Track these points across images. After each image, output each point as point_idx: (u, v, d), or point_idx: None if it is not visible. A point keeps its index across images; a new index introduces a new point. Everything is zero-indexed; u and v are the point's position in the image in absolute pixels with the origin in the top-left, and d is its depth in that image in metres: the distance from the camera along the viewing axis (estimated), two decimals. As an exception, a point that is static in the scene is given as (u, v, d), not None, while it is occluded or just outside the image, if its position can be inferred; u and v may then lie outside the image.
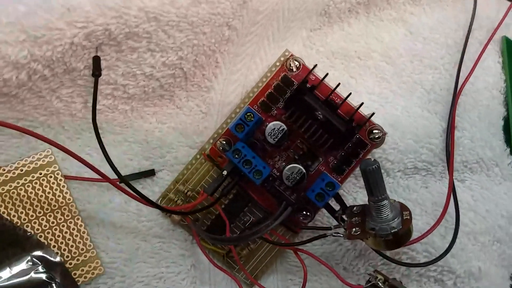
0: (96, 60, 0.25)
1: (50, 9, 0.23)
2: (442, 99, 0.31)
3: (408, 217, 0.23)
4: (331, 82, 0.27)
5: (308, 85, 0.27)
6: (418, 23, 0.33)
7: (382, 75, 0.32)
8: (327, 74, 0.26)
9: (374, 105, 0.31)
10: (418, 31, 0.33)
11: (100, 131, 0.24)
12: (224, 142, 0.27)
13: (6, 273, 0.24)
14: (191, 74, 0.28)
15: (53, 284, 0.25)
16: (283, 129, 0.26)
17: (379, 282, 0.26)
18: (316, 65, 0.27)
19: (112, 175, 0.23)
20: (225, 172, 0.26)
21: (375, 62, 0.32)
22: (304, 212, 0.27)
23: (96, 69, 0.25)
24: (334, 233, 0.25)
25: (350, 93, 0.26)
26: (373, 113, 0.27)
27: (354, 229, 0.23)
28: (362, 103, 0.26)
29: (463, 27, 0.33)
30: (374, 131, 0.27)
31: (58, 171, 0.27)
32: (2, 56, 0.23)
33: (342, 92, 0.27)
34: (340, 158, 0.27)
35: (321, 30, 0.31)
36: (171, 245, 0.28)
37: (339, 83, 0.26)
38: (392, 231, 0.22)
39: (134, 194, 0.23)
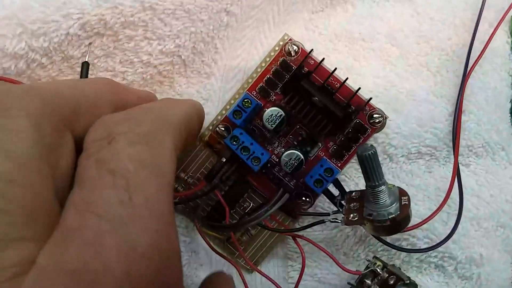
0: (85, 67, 0.25)
1: (45, 2, 0.23)
2: (449, 82, 0.30)
3: (407, 202, 0.22)
4: (334, 65, 0.27)
5: (306, 70, 0.26)
6: (424, 2, 0.32)
7: (387, 58, 0.31)
8: (323, 59, 0.26)
9: (378, 89, 0.30)
10: (425, 11, 0.32)
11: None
12: (223, 129, 0.27)
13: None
14: (190, 61, 0.28)
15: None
16: (281, 115, 0.26)
17: (377, 268, 0.26)
18: (312, 49, 0.26)
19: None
20: (224, 159, 0.26)
21: (380, 44, 0.31)
22: (304, 198, 0.27)
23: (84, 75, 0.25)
24: (332, 219, 0.25)
25: (347, 78, 0.26)
26: (371, 98, 0.26)
27: (352, 215, 0.24)
28: (359, 88, 0.26)
29: (472, 6, 0.32)
30: (375, 115, 0.26)
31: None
32: (0, 49, 0.23)
33: (346, 75, 0.27)
34: (340, 143, 0.27)
35: (323, 12, 0.31)
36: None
37: (335, 68, 0.26)
38: (389, 217, 0.22)
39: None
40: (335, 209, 0.26)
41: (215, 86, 0.29)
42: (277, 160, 0.27)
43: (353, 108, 0.26)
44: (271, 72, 0.27)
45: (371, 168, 0.22)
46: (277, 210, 0.27)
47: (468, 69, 0.30)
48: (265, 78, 0.27)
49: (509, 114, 0.31)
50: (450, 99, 0.30)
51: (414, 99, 0.30)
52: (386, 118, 0.26)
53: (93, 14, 0.24)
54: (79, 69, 0.26)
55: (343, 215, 0.24)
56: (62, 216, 0.15)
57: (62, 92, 0.17)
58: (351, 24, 0.31)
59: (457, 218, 0.27)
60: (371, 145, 0.22)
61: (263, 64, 0.28)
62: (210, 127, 0.28)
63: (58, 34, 0.24)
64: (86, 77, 0.25)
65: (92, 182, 0.15)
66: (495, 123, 0.30)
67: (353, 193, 0.25)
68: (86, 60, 0.25)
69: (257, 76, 0.27)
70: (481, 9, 0.31)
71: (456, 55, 0.31)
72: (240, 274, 0.27)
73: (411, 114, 0.29)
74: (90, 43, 0.25)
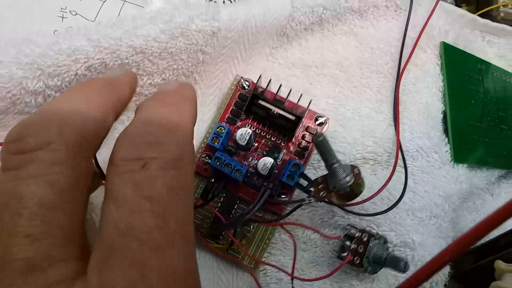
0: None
1: (59, 51, 0.29)
2: (387, 99, 0.37)
3: (358, 171, 0.29)
4: (293, 88, 0.34)
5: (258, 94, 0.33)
6: (366, 35, 0.39)
7: (336, 81, 0.38)
8: (270, 81, 0.33)
9: (330, 108, 0.37)
10: (367, 42, 0.39)
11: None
12: (206, 156, 0.34)
13: None
14: (174, 91, 0.35)
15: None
16: (249, 132, 0.33)
17: (351, 231, 0.32)
18: (260, 78, 0.33)
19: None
20: (212, 179, 0.33)
21: (330, 70, 0.38)
22: (283, 196, 0.34)
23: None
24: (307, 201, 0.31)
25: (290, 90, 0.33)
26: (311, 101, 0.33)
27: (321, 193, 0.30)
28: (301, 96, 0.33)
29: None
30: (319, 118, 0.34)
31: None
32: (23, 87, 0.30)
33: (303, 97, 0.34)
34: (298, 145, 0.34)
35: (281, 47, 0.38)
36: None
37: (280, 85, 0.33)
38: (348, 185, 0.28)
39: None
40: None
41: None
42: (254, 170, 0.34)
43: (299, 112, 0.33)
44: (233, 105, 0.34)
45: (325, 150, 0.28)
46: (265, 212, 0.33)
47: (397, 86, 0.37)
48: (230, 110, 0.34)
49: (441, 123, 0.38)
50: (387, 113, 0.37)
51: (358, 115, 0.37)
52: (328, 118, 0.33)
53: (96, 58, 0.30)
54: (85, 101, 0.33)
55: (313, 196, 0.30)
56: (102, 234, 0.16)
57: (87, 118, 0.18)
58: (305, 54, 0.38)
59: (393, 204, 0.33)
60: (321, 133, 0.29)
61: (225, 100, 0.35)
62: (195, 159, 0.35)
63: (69, 74, 0.30)
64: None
65: (131, 205, 0.16)
66: (427, 131, 0.37)
67: (318, 179, 0.31)
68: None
69: (223, 110, 0.35)
70: (404, 37, 0.38)
71: (392, 76, 0.38)
72: (250, 272, 0.33)
73: (355, 127, 0.36)
74: None
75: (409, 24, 0.39)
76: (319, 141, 0.28)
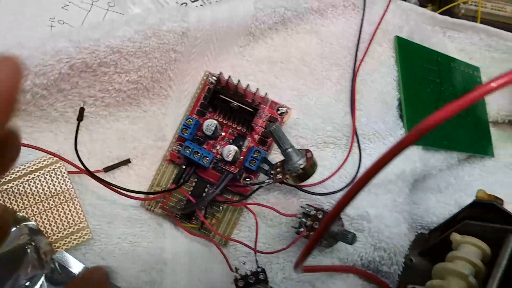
0: (81, 111, 0.37)
1: (44, 52, 0.34)
2: (345, 89, 0.41)
3: (310, 155, 0.32)
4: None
5: (220, 87, 0.37)
6: (327, 32, 0.43)
7: (299, 75, 0.41)
8: (229, 77, 0.37)
9: (294, 99, 0.40)
10: (327, 39, 0.43)
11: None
12: (178, 145, 0.38)
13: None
14: (150, 86, 0.39)
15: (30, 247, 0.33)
16: (214, 123, 0.37)
17: (307, 209, 0.35)
18: (221, 73, 0.37)
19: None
20: (183, 166, 0.37)
21: (294, 65, 0.42)
22: (248, 179, 0.37)
23: (80, 116, 0.37)
24: (267, 182, 0.35)
25: (248, 84, 0.37)
26: (266, 93, 0.37)
27: (278, 175, 0.33)
28: (258, 89, 0.37)
29: (363, 33, 0.43)
30: (280, 108, 0.37)
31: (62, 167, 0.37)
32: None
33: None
34: (262, 133, 0.37)
35: (249, 45, 0.42)
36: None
37: (239, 80, 0.37)
38: (300, 167, 0.32)
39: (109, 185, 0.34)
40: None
41: (171, 103, 0.40)
42: (220, 157, 0.37)
43: (259, 103, 0.37)
44: (202, 99, 0.38)
45: (278, 137, 0.32)
46: (233, 194, 0.37)
47: (354, 77, 0.40)
48: (199, 103, 0.38)
49: (396, 109, 0.42)
50: (345, 101, 0.40)
51: (320, 103, 0.40)
52: (289, 108, 0.37)
53: (78, 58, 0.34)
54: (70, 97, 0.37)
55: (273, 178, 0.34)
56: None
57: None
58: (271, 52, 0.42)
59: (349, 183, 0.36)
60: (274, 123, 0.32)
61: (196, 95, 0.39)
62: (169, 149, 0.38)
63: (54, 73, 0.34)
64: (81, 116, 0.36)
65: None
66: (382, 116, 0.40)
67: (277, 163, 0.35)
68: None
69: (193, 104, 0.38)
70: (360, 32, 0.42)
71: (350, 69, 0.41)
72: (218, 248, 0.36)
73: (316, 115, 0.40)
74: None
75: (366, 21, 0.43)
76: (272, 129, 0.32)
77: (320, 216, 0.35)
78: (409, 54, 0.44)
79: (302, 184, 0.35)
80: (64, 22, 0.43)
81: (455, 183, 0.45)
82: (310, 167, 0.32)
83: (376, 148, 0.40)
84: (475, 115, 0.48)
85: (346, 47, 0.42)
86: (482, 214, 0.36)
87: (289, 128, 0.39)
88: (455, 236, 0.35)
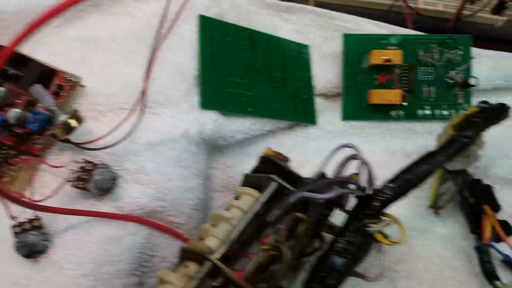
0: None
1: None
2: (147, 62, 0.46)
3: (75, 112, 0.38)
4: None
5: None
6: (139, 12, 0.48)
7: (110, 52, 0.46)
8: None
9: (107, 73, 0.45)
10: (140, 20, 0.48)
11: None
12: None
13: None
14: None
15: None
16: (2, 90, 0.41)
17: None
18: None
19: None
20: None
21: (106, 44, 0.46)
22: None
23: None
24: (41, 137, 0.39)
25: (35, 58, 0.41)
26: (60, 69, 0.42)
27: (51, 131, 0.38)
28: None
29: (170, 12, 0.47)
30: (66, 77, 0.42)
31: None
32: None
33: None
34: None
35: (64, 25, 0.47)
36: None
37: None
38: (61, 122, 0.37)
39: None
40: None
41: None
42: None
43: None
44: None
45: (40, 96, 0.37)
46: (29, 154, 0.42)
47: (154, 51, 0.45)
48: None
49: (194, 79, 0.46)
50: (144, 71, 0.45)
51: (120, 73, 0.45)
52: (77, 80, 0.42)
53: None
54: None
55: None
56: None
57: None
58: (84, 32, 0.47)
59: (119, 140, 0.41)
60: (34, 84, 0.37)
61: None
62: None
63: None
64: None
65: None
66: (176, 84, 0.45)
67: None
68: None
69: None
70: (164, 11, 0.47)
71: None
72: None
73: (114, 85, 0.44)
74: None
75: (176, 2, 0.48)
76: (31, 90, 0.37)
77: (89, 168, 0.39)
78: (214, 31, 0.48)
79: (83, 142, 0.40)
80: None
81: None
82: (75, 120, 0.37)
83: (169, 113, 0.44)
84: (294, 87, 0.52)
85: (152, 25, 0.47)
86: (266, 168, 0.40)
87: (88, 97, 0.44)
88: (237, 188, 0.39)
